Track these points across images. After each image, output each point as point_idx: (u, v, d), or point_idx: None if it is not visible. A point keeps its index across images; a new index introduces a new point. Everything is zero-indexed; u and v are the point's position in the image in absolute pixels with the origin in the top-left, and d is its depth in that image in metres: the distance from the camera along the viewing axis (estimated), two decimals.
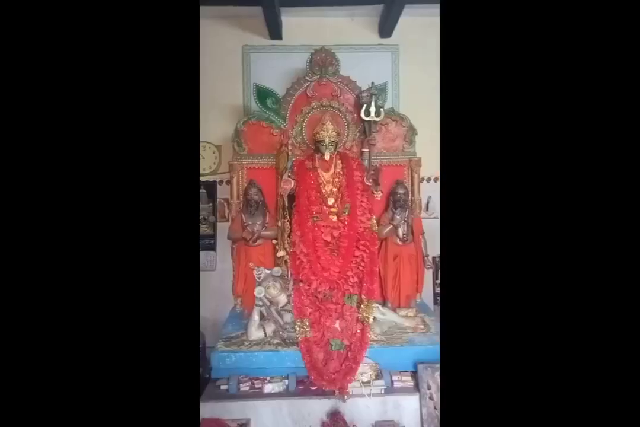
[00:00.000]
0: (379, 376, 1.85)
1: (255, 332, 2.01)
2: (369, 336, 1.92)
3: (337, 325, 1.95)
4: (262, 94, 2.57)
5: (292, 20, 2.90)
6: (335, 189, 2.23)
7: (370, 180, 2.28)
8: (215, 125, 2.95)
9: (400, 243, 2.33)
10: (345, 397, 1.76)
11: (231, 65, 2.96)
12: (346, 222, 2.13)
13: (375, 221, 2.21)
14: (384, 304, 2.29)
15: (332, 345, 1.90)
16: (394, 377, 1.86)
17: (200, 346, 2.73)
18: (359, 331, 1.92)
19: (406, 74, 2.95)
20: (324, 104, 2.47)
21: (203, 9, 2.98)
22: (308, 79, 2.47)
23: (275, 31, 2.87)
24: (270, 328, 2.02)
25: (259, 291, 2.01)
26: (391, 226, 2.30)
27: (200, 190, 2.99)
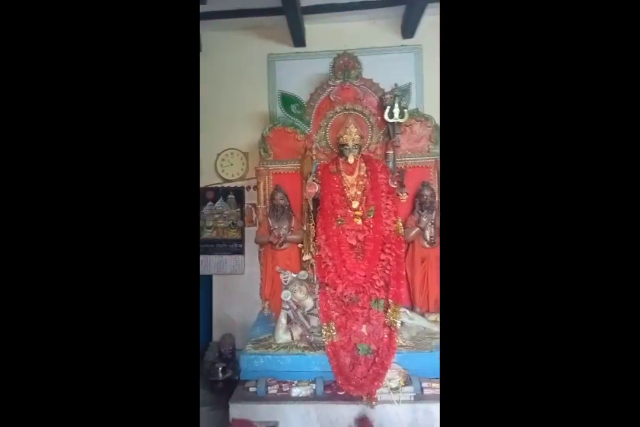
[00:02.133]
0: (407, 382, 1.81)
1: (282, 336, 2.03)
2: (397, 341, 1.89)
3: (364, 329, 1.93)
4: (287, 100, 2.62)
5: (315, 27, 2.94)
6: (359, 192, 2.22)
7: (395, 183, 2.25)
8: (242, 132, 3.03)
9: (427, 246, 2.28)
10: (373, 403, 1.73)
11: (257, 74, 3.04)
12: (371, 226, 2.12)
13: (400, 224, 2.18)
14: (412, 308, 2.25)
15: (359, 349, 1.88)
16: (424, 384, 1.81)
17: (230, 348, 2.79)
18: (386, 336, 1.89)
19: (430, 73, 2.90)
20: (347, 107, 2.48)
21: (228, 22, 3.12)
22: (331, 83, 2.49)
23: (298, 39, 2.91)
24: (297, 332, 2.03)
25: (285, 295, 2.03)
26: (418, 229, 2.26)
27: (229, 196, 3.07)
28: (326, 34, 2.95)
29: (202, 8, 2.74)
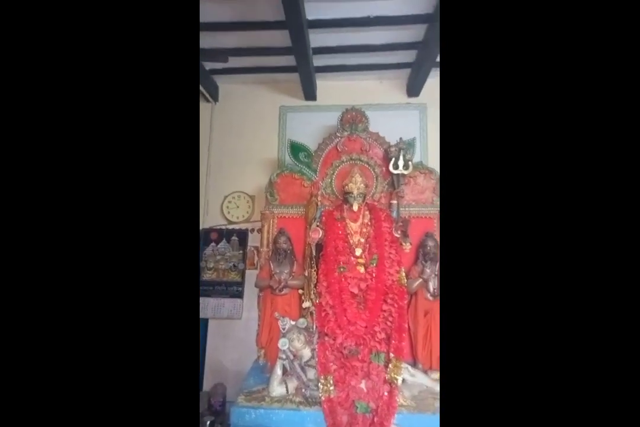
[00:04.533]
0: None
1: (277, 388, 1.92)
2: (398, 399, 1.78)
3: (362, 385, 1.83)
4: (295, 148, 2.74)
5: (326, 84, 3.17)
6: (363, 240, 2.23)
7: (399, 232, 2.27)
8: (251, 176, 3.15)
9: (431, 298, 2.23)
10: None
11: (269, 124, 3.23)
12: (374, 274, 2.09)
13: (404, 274, 2.15)
14: (414, 364, 2.15)
15: (357, 407, 1.77)
16: None
17: (221, 399, 2.64)
18: (386, 394, 1.79)
19: (434, 129, 3.06)
20: (353, 157, 2.58)
21: (246, 77, 3.37)
22: (339, 135, 2.62)
23: (310, 93, 3.13)
24: (292, 384, 1.93)
25: (282, 343, 1.96)
26: (421, 280, 2.23)
27: (233, 238, 3.10)
28: (336, 90, 3.18)
29: (223, 64, 3.00)
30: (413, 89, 3.05)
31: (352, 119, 2.62)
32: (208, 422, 2.45)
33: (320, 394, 1.81)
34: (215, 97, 3.32)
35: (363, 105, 2.76)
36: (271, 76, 3.18)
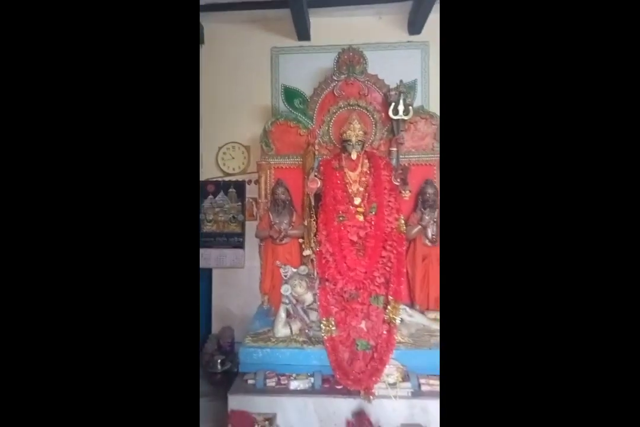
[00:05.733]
0: (405, 378, 1.83)
1: (281, 330, 2.04)
2: (396, 337, 1.90)
3: (363, 325, 1.94)
4: (290, 94, 2.60)
5: (320, 21, 2.91)
6: (362, 189, 2.22)
7: (398, 180, 2.24)
8: (244, 126, 3.02)
9: (429, 244, 2.28)
10: (371, 397, 1.75)
11: (260, 67, 3.02)
12: (373, 222, 2.12)
13: (403, 221, 2.18)
14: (411, 306, 2.26)
15: (357, 345, 1.90)
16: (421, 381, 1.83)
17: (229, 340, 2.81)
18: (385, 332, 1.91)
19: (437, 70, 2.88)
20: (351, 103, 2.46)
21: (232, 14, 3.08)
22: (335, 78, 2.48)
23: (303, 32, 2.89)
24: (296, 326, 2.05)
25: (285, 289, 2.04)
26: (420, 227, 2.27)
27: (230, 190, 3.07)
28: (331, 28, 2.93)
29: (205, 0, 2.72)
30: (414, 25, 2.82)
31: (349, 61, 2.45)
32: (219, 361, 2.64)
33: (322, 334, 1.92)
34: (200, 39, 3.07)
35: (361, 44, 2.57)
36: (260, 13, 2.90)
